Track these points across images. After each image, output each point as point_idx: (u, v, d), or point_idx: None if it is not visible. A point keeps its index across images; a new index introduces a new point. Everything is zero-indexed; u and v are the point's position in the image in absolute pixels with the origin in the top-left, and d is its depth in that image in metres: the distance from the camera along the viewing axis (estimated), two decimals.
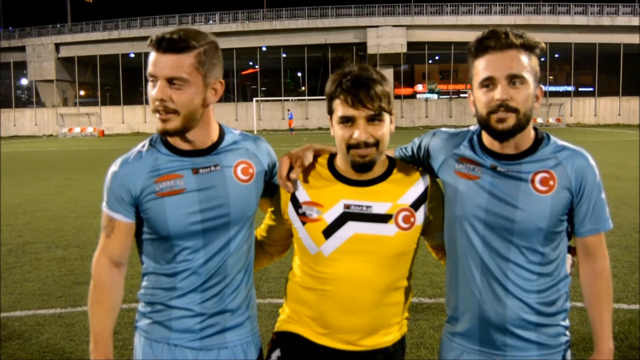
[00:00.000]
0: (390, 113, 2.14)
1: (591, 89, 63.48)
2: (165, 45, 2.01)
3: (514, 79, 2.03)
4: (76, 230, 9.83)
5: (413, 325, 5.05)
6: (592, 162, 2.13)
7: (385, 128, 2.13)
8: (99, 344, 2.16)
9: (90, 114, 57.54)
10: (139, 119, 59.25)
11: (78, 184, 16.53)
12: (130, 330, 5.26)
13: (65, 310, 5.90)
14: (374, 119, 2.09)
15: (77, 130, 55.49)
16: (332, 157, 2.30)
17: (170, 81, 2.02)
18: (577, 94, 63.65)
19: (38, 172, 20.33)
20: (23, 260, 7.87)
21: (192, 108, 2.07)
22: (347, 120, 2.10)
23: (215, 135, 2.20)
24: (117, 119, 60.23)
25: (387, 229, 2.17)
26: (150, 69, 2.04)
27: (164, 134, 2.11)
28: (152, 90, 2.05)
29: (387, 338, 2.25)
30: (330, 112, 2.18)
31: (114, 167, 2.17)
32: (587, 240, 2.15)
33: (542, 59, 2.14)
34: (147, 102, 58.73)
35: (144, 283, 2.25)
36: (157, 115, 2.06)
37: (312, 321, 2.24)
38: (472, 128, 2.29)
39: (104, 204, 2.17)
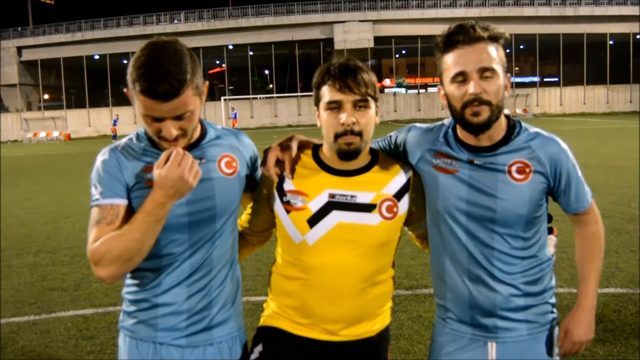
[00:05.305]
0: (375, 100, 2.19)
1: (556, 79, 64.24)
2: (166, 96, 1.91)
3: (485, 72, 2.08)
4: (46, 236, 9.69)
5: (391, 317, 5.06)
6: (563, 145, 2.21)
7: (371, 115, 2.17)
8: (155, 209, 1.95)
9: (55, 118, 56.54)
10: (105, 122, 58.26)
11: (46, 189, 16.28)
12: (107, 334, 5.22)
13: (40, 317, 5.82)
14: (361, 104, 2.14)
15: (42, 134, 54.46)
16: (316, 147, 2.32)
17: (179, 117, 1.98)
18: (543, 84, 64.38)
19: (5, 178, 19.89)
20: None
21: (196, 125, 2.09)
22: (334, 105, 2.14)
23: (198, 131, 2.19)
24: (83, 122, 59.24)
25: (371, 219, 2.20)
26: (150, 113, 1.95)
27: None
28: (151, 125, 1.98)
29: (371, 328, 2.28)
30: (318, 101, 2.21)
31: (103, 157, 2.11)
32: (576, 214, 2.26)
33: (508, 51, 2.19)
34: (113, 104, 58.52)
35: (128, 281, 2.21)
36: (163, 140, 2.02)
37: (295, 313, 2.25)
38: (446, 122, 2.33)
39: (97, 196, 2.04)
